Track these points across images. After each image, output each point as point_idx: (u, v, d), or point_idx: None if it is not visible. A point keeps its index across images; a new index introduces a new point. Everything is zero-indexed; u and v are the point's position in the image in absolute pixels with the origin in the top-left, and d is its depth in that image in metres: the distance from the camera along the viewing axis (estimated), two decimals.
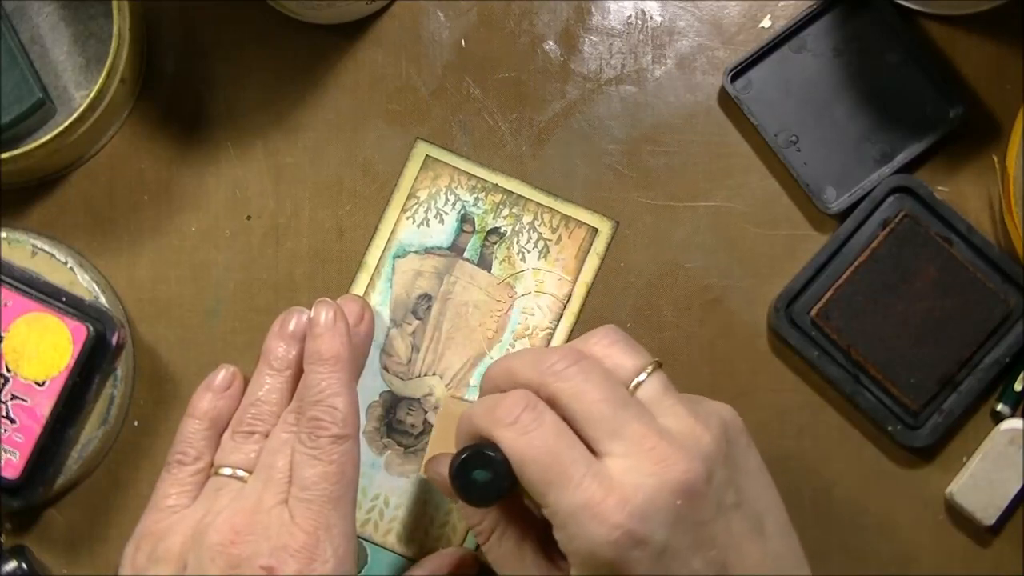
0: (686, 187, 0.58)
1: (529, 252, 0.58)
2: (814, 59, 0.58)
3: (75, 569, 0.57)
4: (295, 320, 0.52)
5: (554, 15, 0.59)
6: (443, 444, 0.52)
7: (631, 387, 0.46)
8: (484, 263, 0.58)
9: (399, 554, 0.57)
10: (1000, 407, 0.57)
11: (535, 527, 0.48)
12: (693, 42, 0.59)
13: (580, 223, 0.58)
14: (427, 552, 0.57)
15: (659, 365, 0.47)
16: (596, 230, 0.58)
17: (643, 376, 0.46)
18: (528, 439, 0.44)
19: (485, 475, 0.45)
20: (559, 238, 0.58)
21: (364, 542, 0.57)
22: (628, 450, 0.44)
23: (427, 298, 0.58)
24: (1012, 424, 0.56)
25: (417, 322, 0.58)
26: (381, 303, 0.58)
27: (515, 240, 0.58)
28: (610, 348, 0.47)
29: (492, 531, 0.48)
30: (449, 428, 0.50)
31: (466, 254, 0.58)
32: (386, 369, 0.58)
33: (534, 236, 0.58)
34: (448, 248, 0.58)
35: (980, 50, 0.58)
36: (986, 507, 0.55)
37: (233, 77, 0.59)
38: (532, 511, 0.49)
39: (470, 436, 0.47)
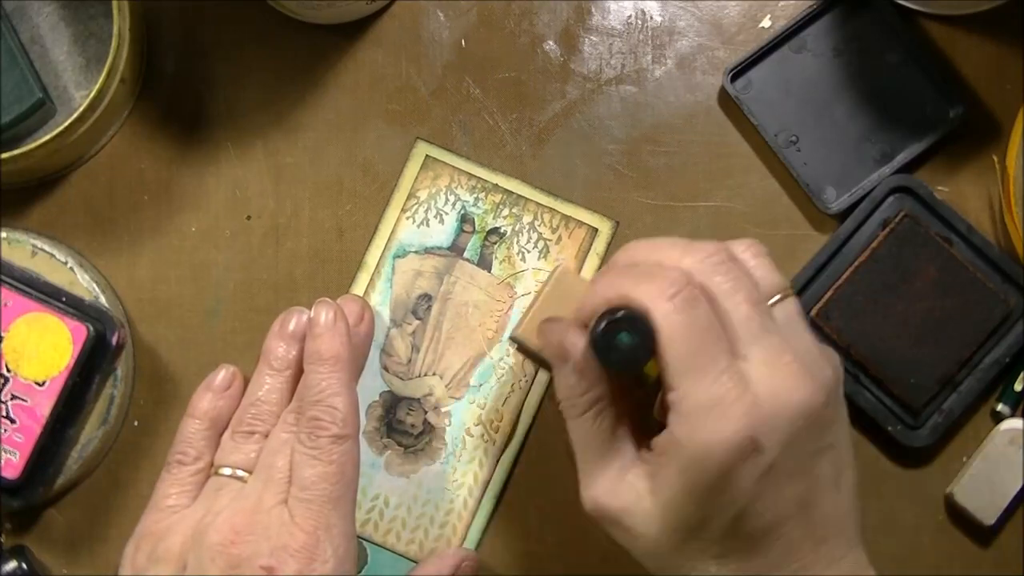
0: (686, 187, 0.58)
1: (529, 252, 0.58)
2: (814, 59, 0.58)
3: (75, 569, 0.57)
4: (295, 320, 0.52)
5: (554, 15, 0.59)
6: (551, 311, 0.50)
7: (769, 303, 0.46)
8: (484, 263, 0.58)
9: (399, 554, 0.57)
10: (1000, 407, 0.57)
11: (632, 416, 0.47)
12: (693, 42, 0.59)
13: (580, 223, 0.58)
14: (427, 552, 0.57)
15: (795, 293, 0.47)
16: (596, 230, 0.58)
17: (779, 297, 0.46)
18: (683, 317, 0.43)
19: (630, 339, 0.44)
20: (559, 238, 0.58)
21: (364, 542, 0.57)
22: (767, 359, 0.43)
23: (427, 298, 0.58)
24: (1012, 424, 0.56)
25: (417, 322, 0.58)
26: (381, 303, 0.58)
27: (515, 240, 0.58)
28: (758, 258, 0.47)
29: (593, 405, 0.46)
30: (560, 297, 0.49)
31: (466, 254, 0.58)
32: (386, 369, 0.58)
33: (534, 236, 0.58)
34: (448, 248, 0.58)
35: (980, 50, 0.58)
36: (986, 507, 0.55)
37: (233, 77, 0.59)
38: (636, 397, 0.48)
39: (613, 301, 0.45)
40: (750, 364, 0.43)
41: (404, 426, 0.57)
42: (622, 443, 0.46)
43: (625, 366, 0.44)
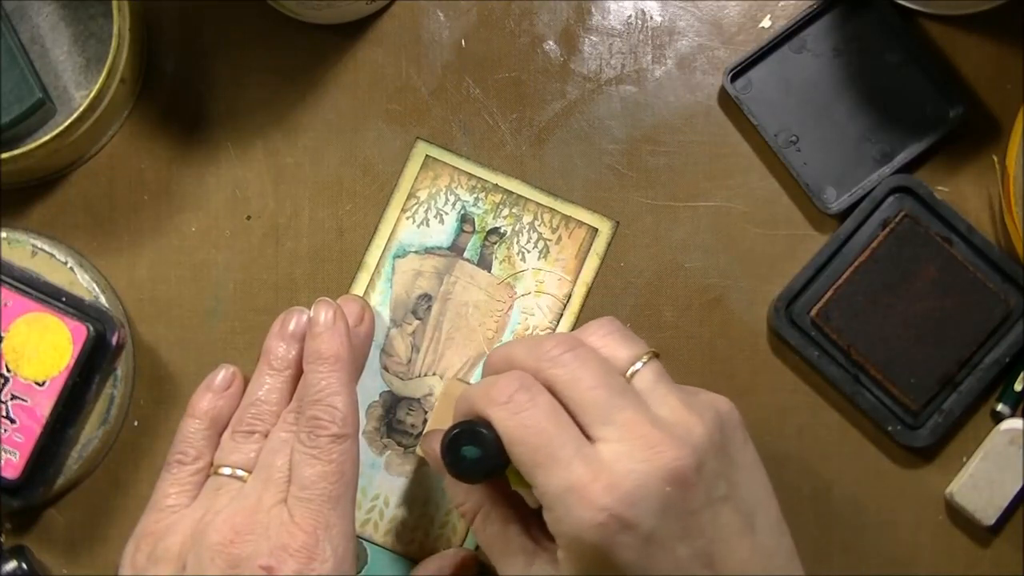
0: (686, 187, 0.58)
1: (529, 252, 0.58)
2: (814, 59, 0.58)
3: (75, 569, 0.57)
4: (295, 320, 0.52)
5: (554, 15, 0.59)
6: (442, 423, 0.52)
7: (627, 376, 0.47)
8: (484, 263, 0.58)
9: (399, 554, 0.57)
10: (1000, 407, 0.57)
11: (521, 512, 0.49)
12: (693, 42, 0.59)
13: (580, 223, 0.58)
14: (427, 552, 0.57)
15: (656, 355, 0.47)
16: (596, 230, 0.58)
17: (639, 365, 0.47)
18: (520, 418, 0.45)
19: (475, 451, 0.46)
20: (559, 238, 0.58)
21: (364, 542, 0.57)
22: (620, 436, 0.44)
23: (427, 298, 0.58)
24: (1012, 424, 0.56)
25: (417, 322, 0.58)
26: (381, 303, 0.58)
27: (515, 240, 0.58)
28: (606, 338, 0.48)
29: (476, 512, 0.49)
30: (449, 408, 0.51)
31: (466, 254, 0.58)
32: (386, 369, 0.58)
33: (534, 236, 0.58)
34: (448, 248, 0.58)
35: (980, 50, 0.58)
36: (986, 507, 0.55)
37: (233, 77, 0.59)
38: (520, 497, 0.49)
39: (465, 415, 0.48)
40: (605, 444, 0.44)
41: (404, 426, 0.57)
42: (517, 540, 0.48)
43: (473, 477, 0.47)
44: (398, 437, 0.57)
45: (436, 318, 0.58)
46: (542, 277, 0.58)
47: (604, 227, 0.58)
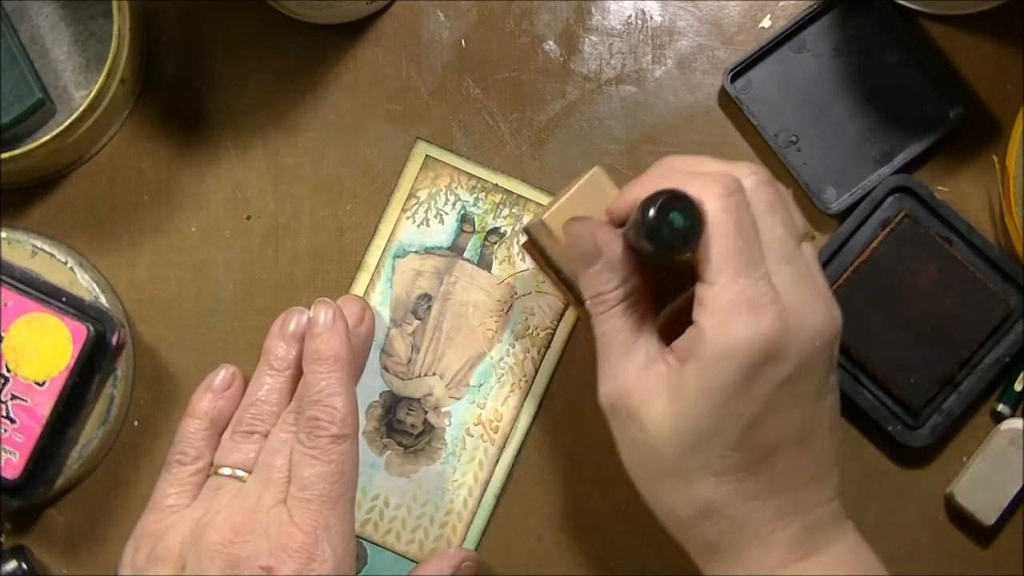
0: None
1: None
2: (814, 59, 0.58)
3: (75, 569, 0.57)
4: (295, 320, 0.52)
5: (554, 15, 0.59)
6: (579, 210, 0.50)
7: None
8: (484, 263, 0.58)
9: (399, 554, 0.57)
10: (1000, 407, 0.57)
11: (656, 316, 0.48)
12: (693, 42, 0.59)
13: None
14: (427, 552, 0.57)
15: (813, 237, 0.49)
16: None
17: (804, 235, 0.48)
18: (734, 216, 0.44)
19: (683, 221, 0.44)
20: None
21: (364, 542, 0.57)
22: (795, 279, 0.45)
23: (427, 298, 0.58)
24: (1012, 424, 0.56)
25: (417, 322, 0.58)
26: (381, 303, 0.58)
27: (515, 240, 0.58)
28: (787, 199, 0.48)
29: (624, 299, 0.47)
30: (589, 198, 0.49)
31: (466, 254, 0.58)
32: (386, 369, 0.58)
33: None
34: (448, 248, 0.58)
35: (980, 50, 0.58)
36: (986, 507, 0.55)
37: (233, 77, 0.59)
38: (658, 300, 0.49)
39: (661, 189, 0.45)
40: (779, 280, 0.45)
41: (404, 426, 0.57)
42: (648, 338, 0.47)
43: (673, 246, 0.44)
44: (398, 437, 0.57)
45: (436, 318, 0.58)
46: (542, 277, 0.58)
47: None
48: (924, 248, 0.56)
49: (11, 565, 0.54)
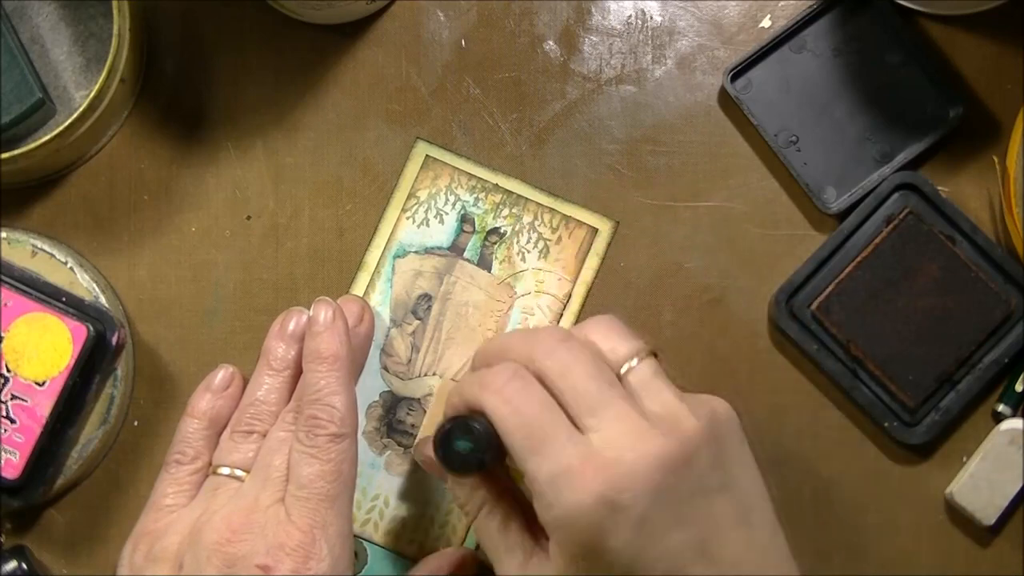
0: (686, 187, 0.58)
1: (529, 252, 0.58)
2: (814, 59, 0.58)
3: (75, 569, 0.57)
4: (295, 320, 0.52)
5: (554, 15, 0.59)
6: (435, 427, 0.52)
7: (622, 372, 0.47)
8: (484, 263, 0.58)
9: (399, 554, 0.57)
10: (1001, 407, 0.56)
11: (523, 510, 0.49)
12: (693, 42, 0.59)
13: (580, 223, 0.58)
14: (427, 552, 0.57)
15: (653, 353, 0.48)
16: (596, 230, 0.58)
17: (635, 362, 0.47)
18: (513, 406, 0.45)
19: (467, 445, 0.46)
20: (559, 238, 0.58)
21: (364, 542, 0.57)
22: (609, 426, 0.45)
23: (427, 298, 0.58)
24: (1012, 424, 0.56)
25: (417, 322, 0.58)
26: (381, 303, 0.58)
27: (515, 240, 0.58)
28: (605, 333, 0.48)
29: (480, 508, 0.49)
30: (441, 411, 0.51)
31: (466, 254, 0.58)
32: (386, 369, 0.58)
33: (534, 236, 0.58)
34: (448, 248, 0.58)
35: (980, 50, 0.58)
36: (986, 507, 0.55)
37: (233, 77, 0.59)
38: (521, 493, 0.50)
39: (457, 408, 0.48)
40: (596, 434, 0.45)
41: (404, 426, 0.57)
42: (517, 536, 0.48)
43: (467, 470, 0.47)
44: (398, 437, 0.57)
45: (436, 318, 0.58)
46: (542, 277, 0.58)
47: (604, 227, 0.58)
48: (927, 246, 0.56)
49: (11, 565, 0.54)
